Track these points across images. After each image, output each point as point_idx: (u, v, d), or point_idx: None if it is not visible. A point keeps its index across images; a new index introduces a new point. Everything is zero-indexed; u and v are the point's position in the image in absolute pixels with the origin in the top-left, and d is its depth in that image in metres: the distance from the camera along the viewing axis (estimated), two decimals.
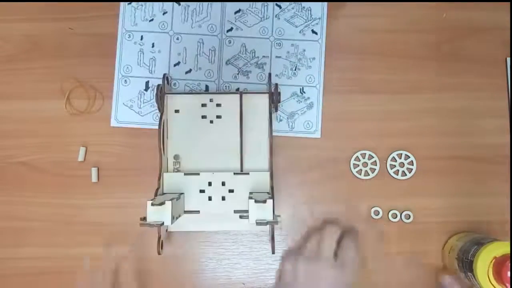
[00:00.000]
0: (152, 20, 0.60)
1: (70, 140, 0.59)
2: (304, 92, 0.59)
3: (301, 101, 0.59)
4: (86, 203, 0.58)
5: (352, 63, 0.60)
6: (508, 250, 0.48)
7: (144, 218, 0.46)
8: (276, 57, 0.60)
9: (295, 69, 0.60)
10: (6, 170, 0.59)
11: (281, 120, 0.59)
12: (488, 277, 0.48)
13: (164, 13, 0.60)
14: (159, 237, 0.52)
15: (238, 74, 0.60)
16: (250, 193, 0.52)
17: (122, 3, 0.60)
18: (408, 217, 0.57)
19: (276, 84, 0.54)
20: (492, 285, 0.48)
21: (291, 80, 0.60)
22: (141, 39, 0.60)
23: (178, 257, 0.57)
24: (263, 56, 0.60)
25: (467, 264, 0.51)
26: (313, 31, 0.60)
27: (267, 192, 0.53)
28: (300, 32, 0.60)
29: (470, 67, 0.60)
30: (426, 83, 0.59)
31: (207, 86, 0.60)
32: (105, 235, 0.57)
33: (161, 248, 0.53)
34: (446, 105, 0.59)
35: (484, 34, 0.60)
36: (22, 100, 0.60)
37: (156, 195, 0.51)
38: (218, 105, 0.56)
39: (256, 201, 0.46)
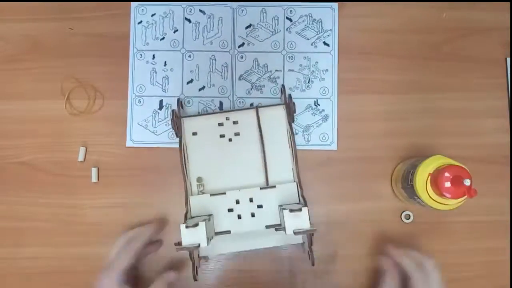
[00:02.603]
0: (163, 38, 0.60)
1: (70, 140, 0.59)
2: (319, 105, 0.59)
3: (316, 114, 0.59)
4: (86, 203, 0.58)
5: (352, 63, 0.60)
6: (444, 162, 0.47)
7: (179, 243, 0.45)
8: (289, 70, 0.59)
9: (309, 82, 0.59)
10: (6, 170, 0.59)
11: (296, 134, 0.59)
12: (427, 191, 0.48)
13: (175, 31, 0.60)
14: (193, 263, 0.50)
15: (251, 89, 0.59)
16: (280, 205, 0.50)
17: (132, 22, 0.60)
18: (408, 217, 0.57)
19: (290, 95, 0.54)
20: (433, 199, 0.48)
21: (305, 93, 0.59)
22: (153, 58, 0.60)
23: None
24: (276, 70, 0.60)
25: (410, 189, 0.50)
26: (324, 43, 0.60)
27: (297, 203, 0.51)
28: (312, 44, 0.60)
29: (470, 67, 0.60)
30: (426, 83, 0.59)
31: (221, 103, 0.59)
32: (105, 235, 0.57)
33: (197, 274, 0.50)
34: (446, 105, 0.59)
35: (484, 34, 0.60)
36: (22, 100, 0.60)
37: (186, 219, 0.50)
38: (235, 122, 0.55)
39: (291, 211, 0.45)
